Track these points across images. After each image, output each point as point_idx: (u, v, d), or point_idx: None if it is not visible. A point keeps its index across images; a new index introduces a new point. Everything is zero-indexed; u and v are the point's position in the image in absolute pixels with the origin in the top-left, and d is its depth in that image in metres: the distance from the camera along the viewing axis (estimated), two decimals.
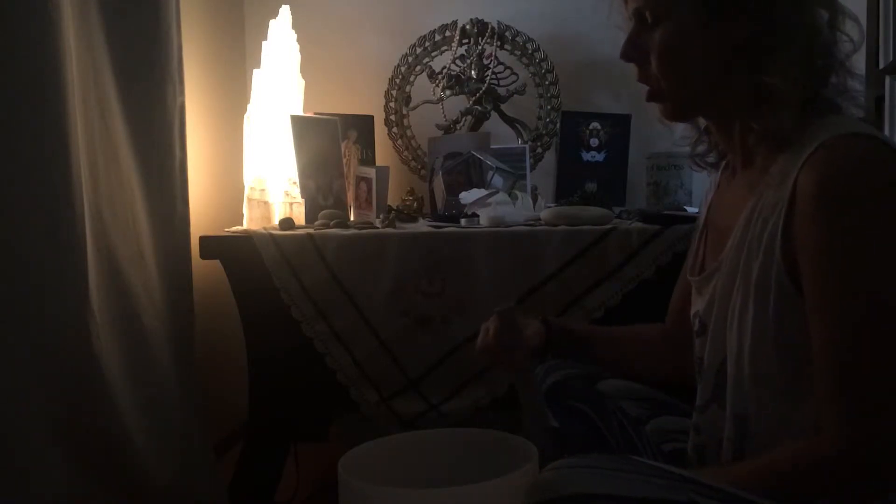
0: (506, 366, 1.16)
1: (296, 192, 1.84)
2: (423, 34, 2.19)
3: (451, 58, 2.16)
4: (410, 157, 2.21)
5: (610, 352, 1.22)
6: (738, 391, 0.89)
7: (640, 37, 0.92)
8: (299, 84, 1.99)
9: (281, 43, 1.94)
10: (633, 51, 0.94)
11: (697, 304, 1.00)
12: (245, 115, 1.89)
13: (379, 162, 2.11)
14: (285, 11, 1.97)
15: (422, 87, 2.20)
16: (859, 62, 0.90)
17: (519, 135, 2.14)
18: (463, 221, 1.70)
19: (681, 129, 1.05)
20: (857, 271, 0.77)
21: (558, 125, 2.10)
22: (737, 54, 0.87)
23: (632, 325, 1.25)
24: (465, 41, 2.16)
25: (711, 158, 1.04)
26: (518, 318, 1.16)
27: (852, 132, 0.81)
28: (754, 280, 0.85)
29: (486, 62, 2.14)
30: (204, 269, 1.76)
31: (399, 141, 2.21)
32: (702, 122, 1.02)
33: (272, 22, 1.95)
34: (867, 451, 0.75)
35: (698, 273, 1.01)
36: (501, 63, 2.15)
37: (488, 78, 2.12)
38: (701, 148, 1.04)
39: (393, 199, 2.03)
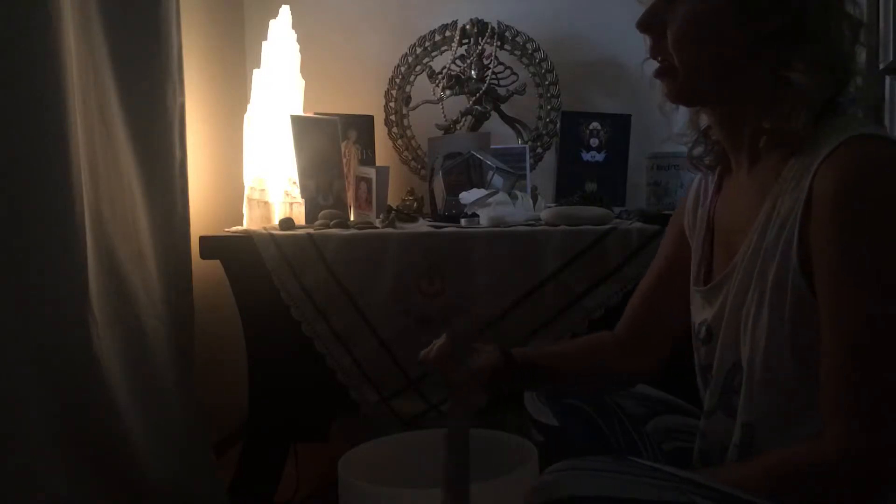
0: (455, 378, 1.05)
1: (296, 192, 1.84)
2: (423, 34, 2.19)
3: (451, 58, 2.16)
4: (410, 157, 2.21)
5: (571, 368, 1.14)
6: (749, 398, 0.88)
7: (663, 8, 0.89)
8: (299, 84, 1.99)
9: (281, 43, 1.94)
10: (653, 21, 0.90)
11: (705, 313, 0.98)
12: (245, 115, 1.89)
13: (379, 162, 2.11)
14: (285, 11, 1.97)
15: (422, 87, 2.20)
16: (859, 62, 0.88)
17: (519, 135, 2.14)
18: (463, 221, 1.70)
19: (679, 124, 1.03)
20: (872, 276, 0.76)
21: (558, 125, 2.10)
22: (760, 46, 0.85)
23: (578, 338, 1.19)
24: (465, 41, 2.16)
25: (708, 161, 1.02)
26: (471, 343, 1.08)
27: (867, 133, 0.80)
28: (770, 284, 0.84)
29: (486, 62, 2.14)
30: (204, 269, 1.76)
31: (399, 141, 2.21)
32: (702, 122, 1.00)
33: (272, 22, 1.95)
34: (869, 456, 0.74)
35: (705, 281, 0.99)
36: (501, 63, 2.15)
37: (488, 78, 2.12)
38: (699, 149, 1.02)
39: (393, 199, 2.03)
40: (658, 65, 0.92)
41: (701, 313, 0.99)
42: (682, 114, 1.00)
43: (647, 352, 1.12)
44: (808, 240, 0.80)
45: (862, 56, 0.87)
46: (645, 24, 0.91)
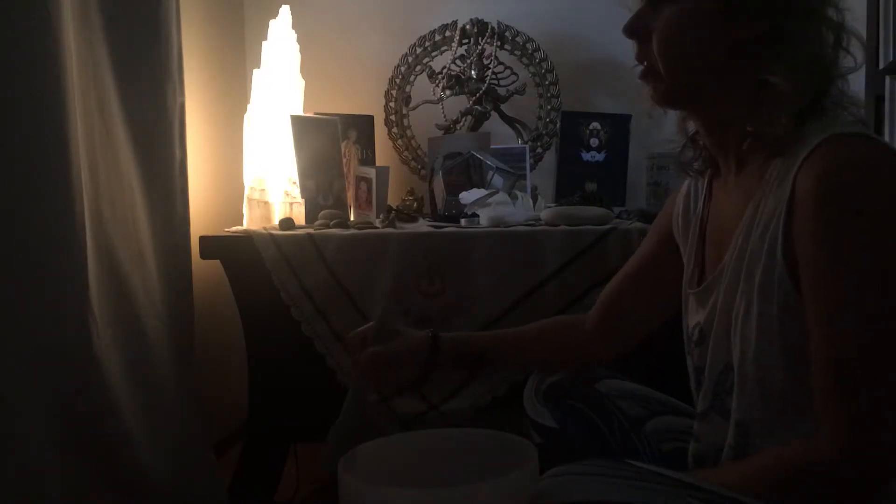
0: (358, 359, 1.11)
1: (296, 192, 1.84)
2: (423, 34, 2.19)
3: (451, 58, 2.16)
4: (410, 157, 2.21)
5: (513, 355, 1.19)
6: (742, 398, 0.88)
7: (648, 14, 0.91)
8: (299, 84, 1.99)
9: (281, 43, 1.94)
10: (639, 26, 0.91)
11: (698, 316, 0.98)
12: (245, 115, 1.89)
13: (379, 162, 2.11)
14: (285, 11, 1.97)
15: (422, 87, 2.20)
16: (844, 65, 0.89)
17: (519, 135, 2.14)
18: (463, 221, 1.70)
19: (669, 129, 1.04)
20: (857, 271, 0.77)
21: (558, 125, 2.10)
22: (741, 51, 0.87)
23: (542, 321, 1.23)
24: (465, 41, 2.16)
25: (697, 166, 1.02)
26: (397, 328, 1.14)
27: (845, 133, 0.81)
28: (757, 284, 0.84)
29: (486, 62, 2.14)
30: (204, 269, 1.76)
31: (399, 141, 2.21)
32: (690, 127, 1.01)
33: (272, 22, 1.95)
34: (862, 456, 0.75)
35: (697, 284, 1.00)
36: (501, 63, 2.15)
37: (488, 78, 2.12)
38: (687, 155, 1.03)
39: (393, 199, 2.03)
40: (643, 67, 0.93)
41: (694, 316, 1.00)
42: (670, 119, 1.01)
43: (612, 339, 1.16)
44: (793, 239, 0.81)
45: (847, 59, 0.87)
46: (631, 30, 0.93)
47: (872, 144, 0.81)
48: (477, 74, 2.13)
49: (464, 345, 1.17)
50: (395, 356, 1.12)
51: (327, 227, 1.70)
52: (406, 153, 2.22)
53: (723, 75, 0.88)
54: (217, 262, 1.68)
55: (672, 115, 1.01)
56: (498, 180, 1.86)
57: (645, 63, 0.93)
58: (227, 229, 1.76)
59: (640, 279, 1.13)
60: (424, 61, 2.20)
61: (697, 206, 1.04)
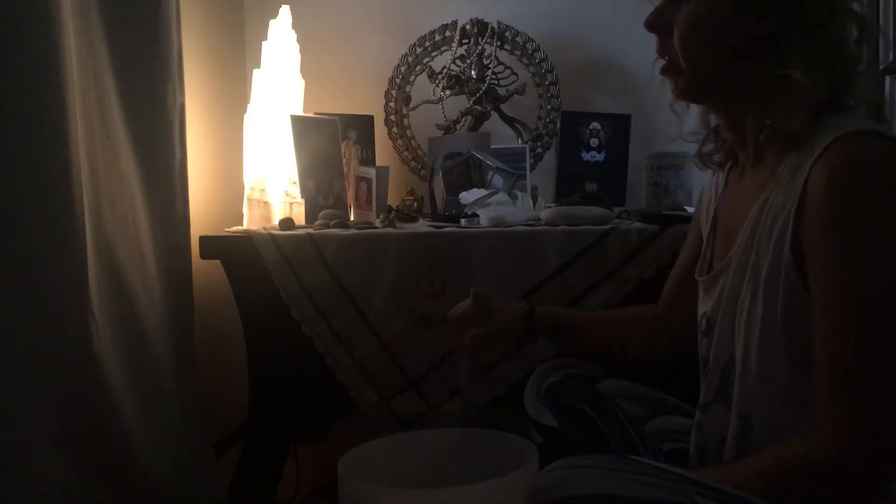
0: (464, 341, 1.21)
1: (296, 192, 1.84)
2: (423, 34, 2.19)
3: (451, 58, 2.16)
4: (410, 157, 2.21)
5: (595, 335, 1.25)
6: (744, 390, 0.89)
7: (669, 8, 0.92)
8: (299, 84, 1.99)
9: (281, 43, 1.94)
10: (660, 20, 0.93)
11: (705, 305, 0.99)
12: (245, 115, 1.89)
13: (379, 162, 2.11)
14: (285, 11, 1.97)
15: (422, 87, 2.20)
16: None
17: (519, 135, 2.14)
18: (463, 221, 1.70)
19: (690, 123, 1.05)
20: (866, 270, 0.77)
21: (558, 125, 2.10)
22: (761, 44, 0.87)
23: (620, 309, 1.30)
24: (465, 41, 2.16)
25: (718, 158, 1.03)
26: (492, 303, 1.23)
27: (864, 129, 0.80)
28: (763, 277, 0.85)
29: (486, 62, 2.14)
30: (204, 269, 1.76)
31: (399, 141, 2.21)
32: (712, 120, 1.01)
33: (272, 22, 1.95)
34: (863, 455, 0.75)
35: (706, 273, 1.01)
36: (501, 63, 2.15)
37: (488, 78, 2.12)
38: (708, 147, 1.03)
39: (393, 199, 2.03)
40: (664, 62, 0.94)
41: (703, 305, 1.01)
42: (693, 113, 1.02)
43: (677, 330, 1.17)
44: (802, 234, 0.81)
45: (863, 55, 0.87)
46: (652, 24, 0.94)
47: (887, 142, 0.80)
48: (477, 74, 2.13)
49: (556, 319, 1.26)
50: (496, 334, 1.23)
51: (327, 227, 1.70)
52: (406, 153, 2.22)
53: (742, 70, 0.89)
54: (217, 262, 1.68)
55: (688, 115, 1.01)
56: (498, 180, 1.86)
57: (666, 58, 0.94)
58: (227, 229, 1.76)
59: (685, 272, 1.15)
60: (424, 61, 2.20)
61: (717, 196, 1.05)
